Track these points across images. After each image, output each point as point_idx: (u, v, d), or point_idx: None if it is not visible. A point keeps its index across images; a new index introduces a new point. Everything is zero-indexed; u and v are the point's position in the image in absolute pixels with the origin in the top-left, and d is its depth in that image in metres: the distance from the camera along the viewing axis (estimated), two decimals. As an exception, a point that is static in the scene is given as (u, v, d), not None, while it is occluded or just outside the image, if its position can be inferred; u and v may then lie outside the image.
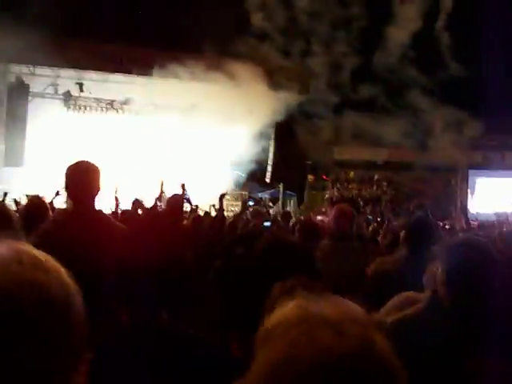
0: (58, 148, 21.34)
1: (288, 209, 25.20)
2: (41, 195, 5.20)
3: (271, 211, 21.19)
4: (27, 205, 4.51)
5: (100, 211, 3.81)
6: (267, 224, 4.92)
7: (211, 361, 2.15)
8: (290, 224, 7.44)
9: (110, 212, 8.22)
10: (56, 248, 1.93)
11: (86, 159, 3.74)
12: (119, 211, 9.05)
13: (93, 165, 3.67)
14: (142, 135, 23.01)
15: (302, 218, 9.78)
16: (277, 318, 1.14)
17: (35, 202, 4.56)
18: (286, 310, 1.14)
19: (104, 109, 23.33)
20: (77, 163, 3.63)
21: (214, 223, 7.18)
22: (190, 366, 2.09)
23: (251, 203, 9.47)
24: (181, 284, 2.30)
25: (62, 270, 1.13)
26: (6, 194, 10.26)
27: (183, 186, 8.73)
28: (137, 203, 8.83)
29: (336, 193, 28.51)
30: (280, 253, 4.17)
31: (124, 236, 3.48)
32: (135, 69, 21.52)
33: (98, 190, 3.68)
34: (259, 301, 2.19)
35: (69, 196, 3.71)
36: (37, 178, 19.45)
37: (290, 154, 25.60)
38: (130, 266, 2.21)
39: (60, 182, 3.71)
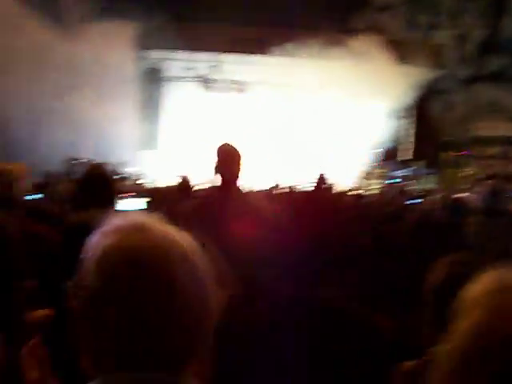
0: (191, 130, 22.08)
1: (427, 187, 24.65)
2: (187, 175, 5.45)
3: (410, 189, 20.86)
4: (179, 183, 4.76)
5: (241, 189, 3.96)
6: (412, 202, 4.79)
7: (374, 336, 2.11)
8: (432, 201, 7.26)
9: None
10: (206, 219, 1.99)
11: (229, 141, 3.94)
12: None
13: (234, 148, 3.88)
14: (274, 115, 23.09)
15: (445, 194, 9.50)
16: (476, 289, 1.16)
17: (185, 181, 4.80)
18: (484, 282, 1.16)
19: (235, 89, 23.58)
20: (224, 145, 3.83)
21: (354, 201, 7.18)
22: (355, 341, 2.06)
23: (393, 182, 9.29)
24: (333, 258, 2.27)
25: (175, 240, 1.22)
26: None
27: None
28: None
29: (475, 170, 27.52)
30: (429, 229, 4.07)
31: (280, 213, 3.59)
32: (264, 49, 21.60)
33: (239, 171, 3.86)
34: (408, 276, 2.12)
35: (219, 174, 3.86)
36: (170, 159, 20.15)
37: (427, 130, 24.91)
38: (291, 241, 2.20)
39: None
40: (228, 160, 3.78)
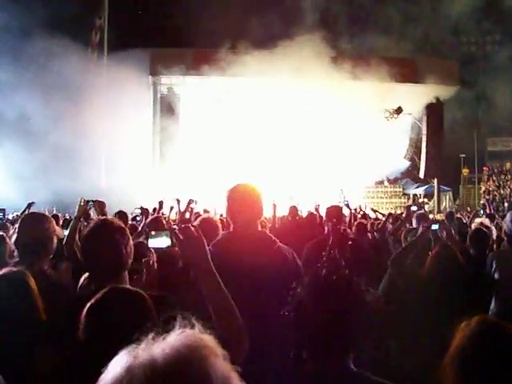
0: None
1: (444, 204, 24.46)
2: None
3: (426, 207, 20.71)
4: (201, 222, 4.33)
5: (263, 232, 3.66)
6: (435, 227, 4.62)
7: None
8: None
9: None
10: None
11: (246, 183, 3.58)
12: None
13: (253, 188, 3.52)
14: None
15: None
16: None
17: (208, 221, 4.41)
18: None
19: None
20: (237, 186, 3.49)
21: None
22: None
23: (415, 208, 9.12)
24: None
25: None
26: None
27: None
28: (294, 210, 8.85)
29: (492, 186, 27.27)
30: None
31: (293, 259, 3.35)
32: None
33: (260, 213, 3.55)
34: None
35: (229, 218, 3.56)
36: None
37: (443, 147, 24.72)
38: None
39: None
40: (239, 203, 3.49)
